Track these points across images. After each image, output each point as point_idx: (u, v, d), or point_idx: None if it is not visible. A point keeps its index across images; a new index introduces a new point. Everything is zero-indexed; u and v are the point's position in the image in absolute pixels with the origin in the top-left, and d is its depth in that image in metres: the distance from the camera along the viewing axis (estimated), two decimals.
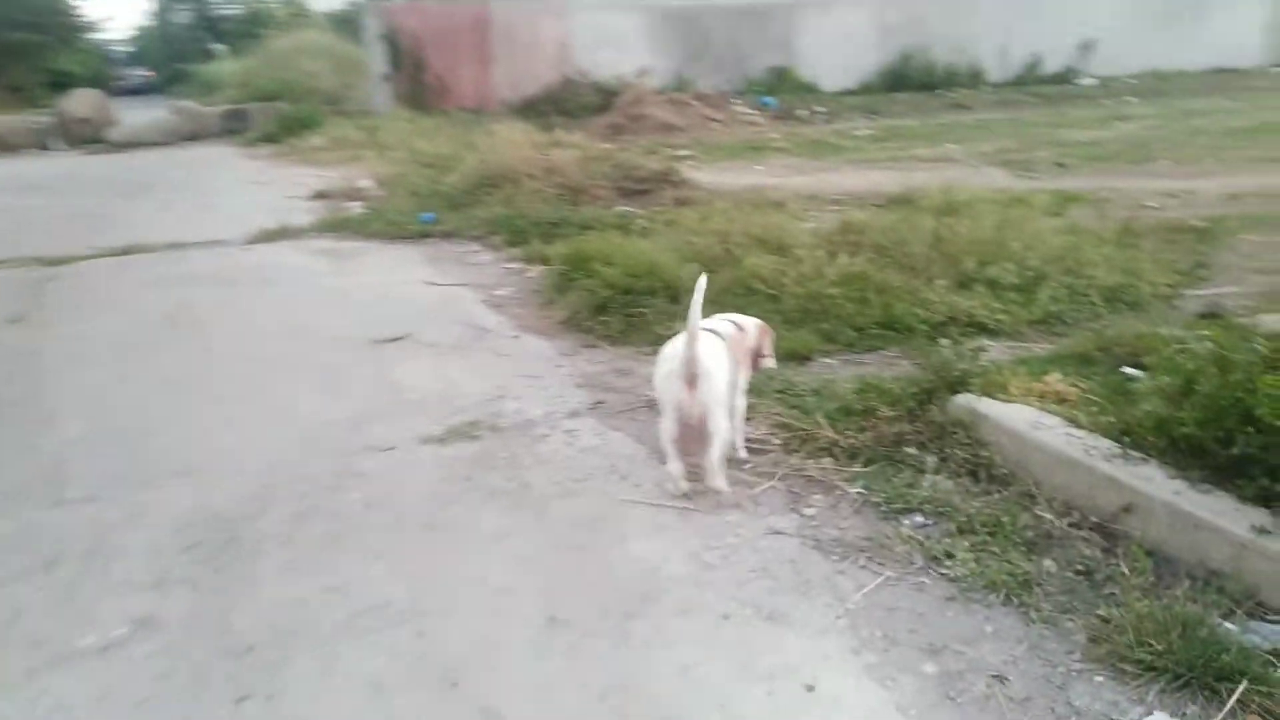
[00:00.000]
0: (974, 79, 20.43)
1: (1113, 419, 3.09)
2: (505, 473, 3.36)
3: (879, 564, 2.66)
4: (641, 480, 3.27)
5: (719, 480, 3.02)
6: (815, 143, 13.48)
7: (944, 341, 4.55)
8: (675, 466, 3.07)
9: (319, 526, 3.03)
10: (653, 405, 3.89)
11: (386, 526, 3.02)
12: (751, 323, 3.56)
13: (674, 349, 3.06)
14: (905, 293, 4.89)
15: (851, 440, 3.35)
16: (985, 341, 4.58)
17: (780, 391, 3.90)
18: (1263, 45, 22.56)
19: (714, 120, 15.59)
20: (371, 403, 4.13)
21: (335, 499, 3.21)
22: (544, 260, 6.19)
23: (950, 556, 2.64)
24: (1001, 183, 9.01)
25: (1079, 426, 3.06)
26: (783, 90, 18.33)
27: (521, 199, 8.01)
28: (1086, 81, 20.84)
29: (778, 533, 2.87)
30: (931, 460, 3.18)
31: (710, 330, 3.24)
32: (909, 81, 19.80)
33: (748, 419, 3.52)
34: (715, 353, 3.05)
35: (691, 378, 2.91)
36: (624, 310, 4.93)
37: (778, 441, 3.49)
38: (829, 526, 2.89)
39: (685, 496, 3.07)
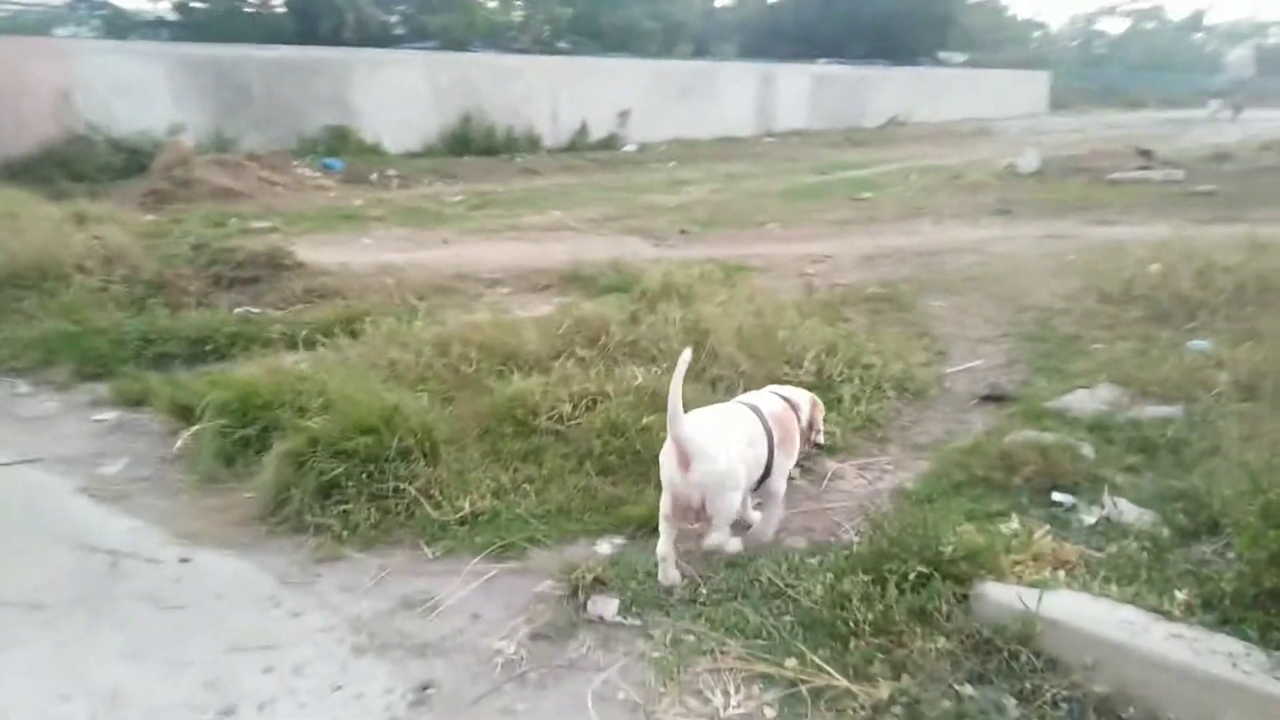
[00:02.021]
0: (533, 144, 20.62)
1: (1183, 596, 2.40)
2: None
3: None
4: None
5: (732, 544, 2.89)
6: (412, 210, 12.06)
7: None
8: (664, 547, 2.77)
9: None
10: (524, 671, 2.42)
11: None
12: (804, 396, 3.26)
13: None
14: None
15: (884, 690, 2.22)
16: (831, 464, 3.80)
17: (698, 602, 2.65)
18: (754, 119, 26.30)
19: (277, 185, 13.30)
20: None
21: None
22: (178, 410, 4.02)
23: None
24: (648, 252, 8.58)
25: (1170, 618, 2.31)
26: (345, 152, 16.55)
27: (80, 303, 5.50)
28: (629, 147, 22.22)
29: None
30: (1011, 705, 2.18)
31: (750, 405, 3.01)
32: (472, 145, 19.32)
33: None
34: (722, 432, 2.77)
35: (684, 458, 2.64)
36: (370, 489, 3.23)
37: (772, 713, 2.23)
38: None
39: (670, 592, 2.74)
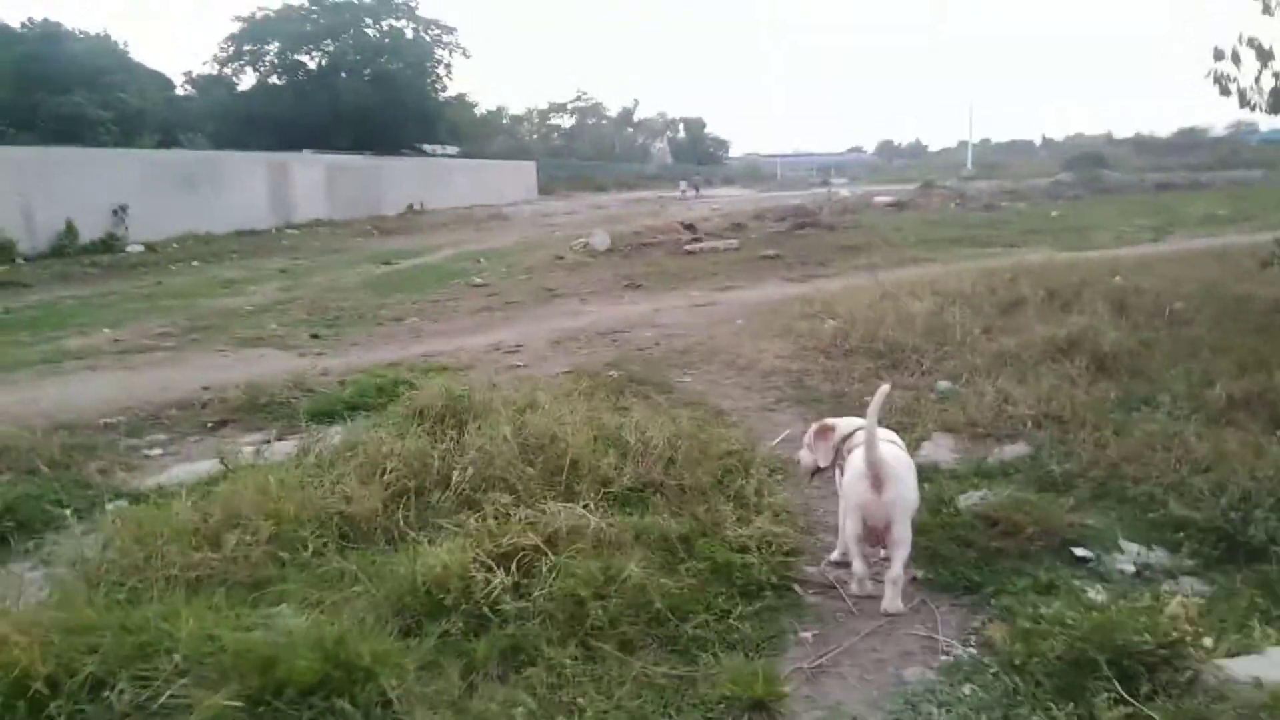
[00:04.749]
0: (4, 252, 16.54)
1: None
2: None
3: None
4: None
5: (895, 603, 2.93)
6: None
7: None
8: (860, 566, 3.06)
9: None
10: None
11: None
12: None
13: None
14: (693, 533, 3.22)
15: None
16: (806, 569, 3.35)
17: None
18: (271, 210, 24.40)
19: None
20: None
21: None
22: None
23: None
24: (321, 363, 7.17)
25: None
26: None
27: None
28: (134, 248, 19.01)
29: None
30: None
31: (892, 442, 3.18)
32: None
33: None
34: (903, 459, 3.07)
35: (878, 481, 2.89)
36: None
37: None
38: None
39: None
